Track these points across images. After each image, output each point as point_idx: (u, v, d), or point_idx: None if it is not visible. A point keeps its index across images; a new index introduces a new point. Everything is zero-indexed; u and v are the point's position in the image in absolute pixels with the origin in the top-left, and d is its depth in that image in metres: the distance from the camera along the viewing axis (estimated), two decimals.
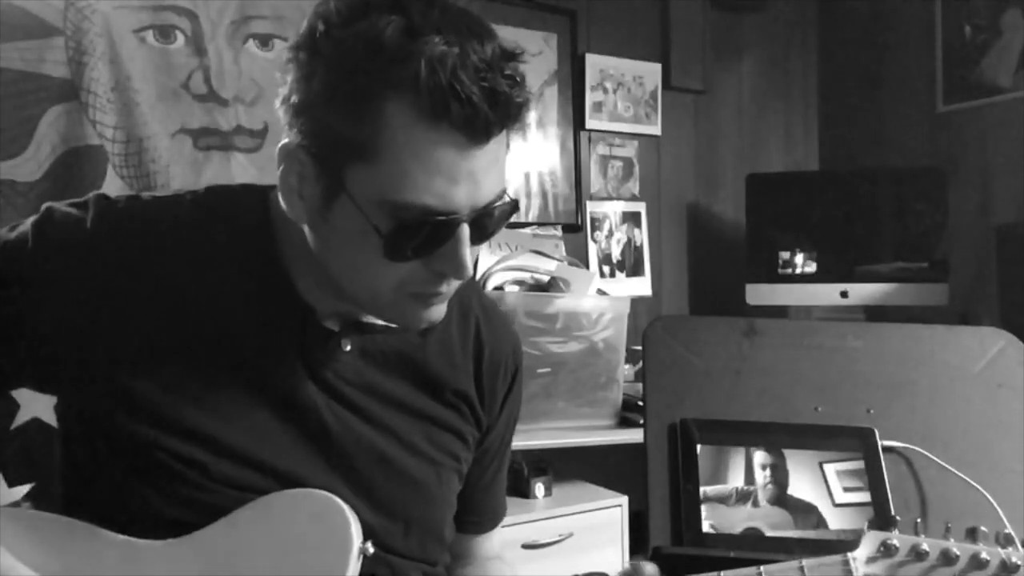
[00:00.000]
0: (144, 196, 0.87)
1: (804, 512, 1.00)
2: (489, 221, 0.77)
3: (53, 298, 0.79)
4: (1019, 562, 0.79)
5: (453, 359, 0.93)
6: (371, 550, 0.81)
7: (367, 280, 0.77)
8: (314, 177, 0.74)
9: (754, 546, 0.96)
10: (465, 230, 0.74)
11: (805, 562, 0.81)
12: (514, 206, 0.79)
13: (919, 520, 0.84)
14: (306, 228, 0.79)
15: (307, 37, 0.72)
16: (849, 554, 0.82)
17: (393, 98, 0.69)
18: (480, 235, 0.77)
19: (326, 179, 0.73)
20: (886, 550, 0.82)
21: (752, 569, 0.81)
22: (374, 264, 0.74)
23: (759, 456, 1.03)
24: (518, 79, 0.71)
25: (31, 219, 0.82)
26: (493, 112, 0.69)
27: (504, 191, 0.77)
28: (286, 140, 0.75)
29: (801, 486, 1.02)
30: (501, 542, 1.10)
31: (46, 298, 0.79)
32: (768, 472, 1.03)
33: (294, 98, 0.73)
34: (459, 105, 0.68)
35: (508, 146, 0.77)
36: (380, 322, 0.87)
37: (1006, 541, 0.81)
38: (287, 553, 0.80)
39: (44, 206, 0.83)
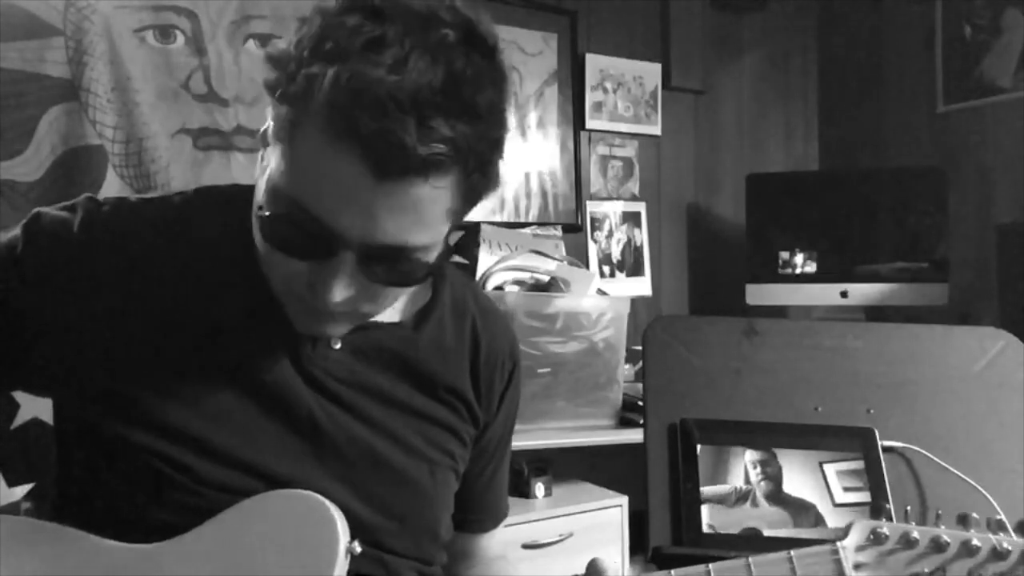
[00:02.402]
0: (132, 198, 0.86)
1: (802, 510, 1.00)
2: (388, 264, 0.73)
3: (42, 302, 0.79)
4: (1010, 548, 0.79)
5: (448, 356, 0.92)
6: (358, 549, 0.81)
7: (265, 265, 0.78)
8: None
9: (754, 546, 0.96)
10: (347, 258, 0.71)
11: (794, 552, 0.81)
12: (429, 269, 0.75)
13: (909, 508, 0.84)
14: None
15: (306, 17, 0.72)
16: (839, 543, 0.81)
17: (319, 97, 0.67)
18: (377, 275, 0.73)
19: (263, 152, 0.74)
20: (876, 538, 0.81)
21: (740, 560, 0.81)
22: (264, 248, 0.75)
23: (749, 455, 1.03)
24: (451, 132, 0.66)
25: (20, 224, 0.82)
26: (394, 158, 0.65)
27: (420, 247, 0.72)
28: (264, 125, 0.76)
29: (800, 486, 1.02)
30: (503, 542, 1.10)
31: (36, 302, 0.79)
32: (759, 469, 1.03)
33: (276, 51, 0.73)
34: (356, 137, 0.65)
35: (457, 198, 0.72)
36: (373, 319, 0.87)
37: (998, 527, 0.81)
38: (274, 553, 0.80)
39: (33, 211, 0.83)
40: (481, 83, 0.69)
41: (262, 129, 0.76)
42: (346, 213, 0.69)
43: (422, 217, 0.71)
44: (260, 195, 0.74)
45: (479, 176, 0.72)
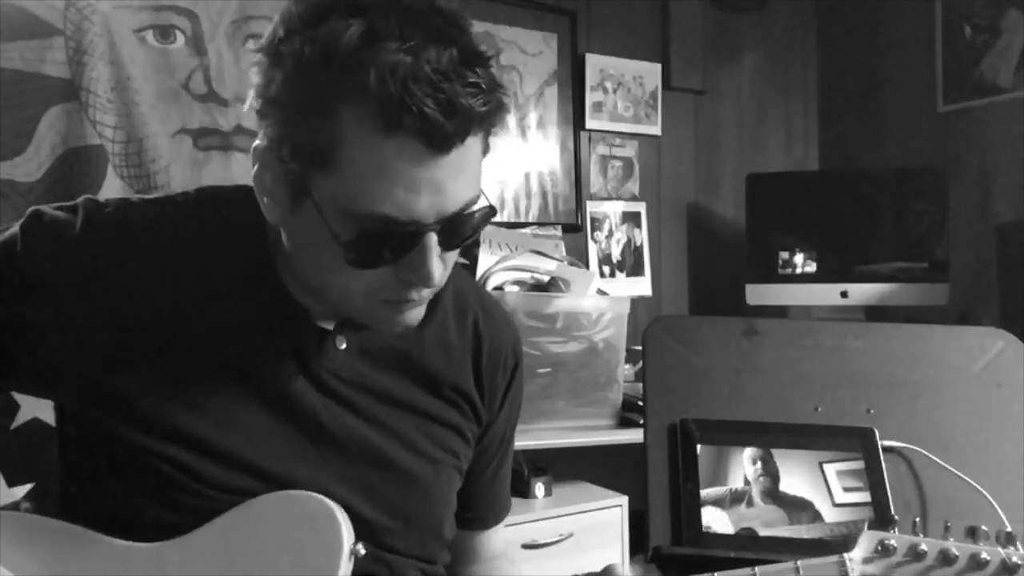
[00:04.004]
0: (134, 199, 0.86)
1: (799, 508, 1.00)
2: (460, 229, 0.75)
3: (43, 302, 0.79)
4: (1019, 562, 0.78)
5: (451, 355, 0.92)
6: (362, 551, 0.81)
7: (337, 286, 0.77)
8: (282, 180, 0.74)
9: (754, 546, 0.96)
10: (431, 239, 0.73)
11: (801, 563, 0.81)
12: (490, 211, 0.78)
13: (917, 519, 0.84)
14: (281, 229, 0.79)
15: (269, 41, 0.71)
16: (845, 554, 0.81)
17: (347, 108, 0.68)
18: (452, 243, 0.76)
19: (292, 184, 0.73)
20: (883, 550, 0.81)
21: (747, 570, 0.81)
22: (342, 271, 0.74)
23: (749, 451, 1.03)
24: (483, 85, 0.69)
25: (19, 222, 0.82)
26: (451, 122, 0.67)
27: (477, 196, 0.75)
28: (258, 141, 0.75)
29: (800, 486, 1.02)
30: (505, 540, 1.10)
31: (36, 302, 0.79)
32: (758, 465, 1.03)
33: (257, 103, 0.73)
34: (411, 117, 0.66)
35: (486, 148, 0.76)
36: None
37: (1007, 540, 0.80)
38: (278, 554, 0.80)
39: (31, 209, 0.82)
40: (470, 30, 0.72)
41: (255, 144, 0.75)
42: (419, 198, 0.70)
43: (472, 171, 0.74)
44: (319, 224, 0.72)
45: (498, 111, 0.74)
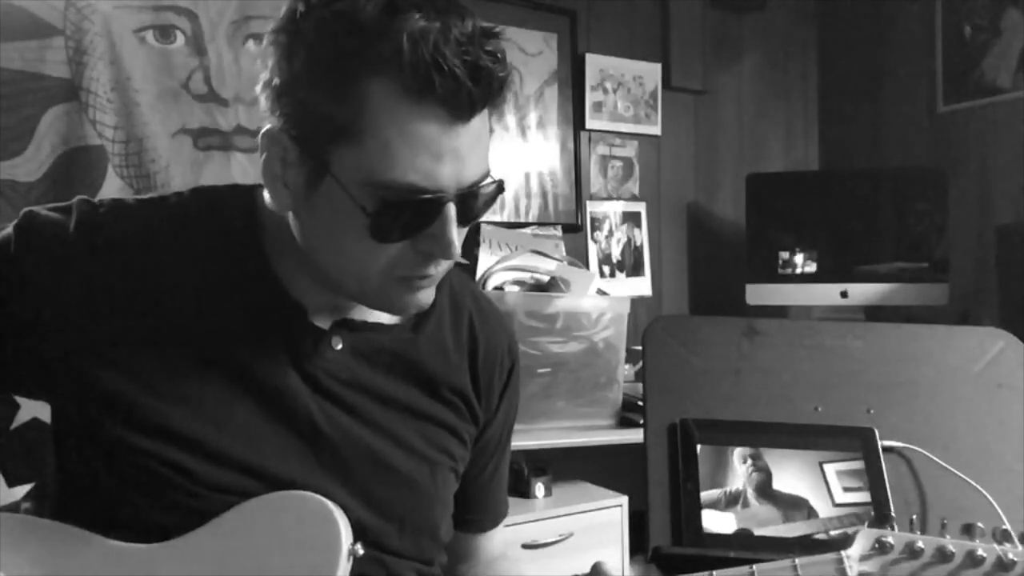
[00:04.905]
0: (128, 199, 0.86)
1: (793, 506, 1.00)
2: (474, 202, 0.77)
3: (37, 303, 0.79)
4: (1015, 558, 0.79)
5: (447, 356, 0.92)
6: (361, 551, 0.81)
7: (354, 265, 0.77)
8: (298, 161, 0.74)
9: (753, 545, 0.96)
10: (451, 209, 0.74)
11: (798, 560, 0.81)
12: (499, 187, 0.79)
13: (915, 516, 0.84)
14: (290, 216, 0.79)
15: (287, 19, 0.72)
16: (843, 552, 0.81)
17: (375, 76, 0.69)
18: (466, 216, 0.77)
19: (310, 162, 0.73)
20: (880, 547, 0.81)
21: (745, 569, 0.81)
22: (361, 247, 0.74)
23: (738, 451, 1.03)
24: (499, 55, 0.71)
25: (13, 223, 0.82)
26: (476, 87, 0.69)
27: (488, 172, 0.77)
28: (268, 126, 0.75)
29: (797, 484, 1.02)
30: (504, 541, 1.09)
31: (30, 303, 0.79)
32: (749, 463, 1.03)
33: (275, 81, 0.73)
34: (442, 79, 0.68)
35: (491, 129, 0.77)
36: (371, 319, 0.87)
37: (1003, 537, 0.80)
38: (276, 555, 0.80)
39: (25, 210, 0.82)
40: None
41: (264, 129, 0.75)
42: (443, 166, 0.72)
43: (485, 144, 0.76)
44: (341, 197, 0.72)
45: (508, 85, 0.75)
